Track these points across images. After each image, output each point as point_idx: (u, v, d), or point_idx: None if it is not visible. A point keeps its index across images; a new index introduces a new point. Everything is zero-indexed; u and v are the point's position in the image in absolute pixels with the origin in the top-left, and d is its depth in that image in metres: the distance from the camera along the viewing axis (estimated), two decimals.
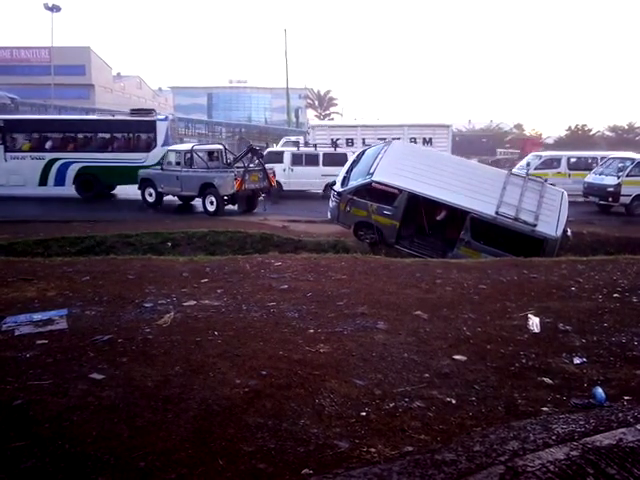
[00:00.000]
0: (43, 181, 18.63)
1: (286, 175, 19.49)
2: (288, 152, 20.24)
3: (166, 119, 19.85)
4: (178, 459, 2.73)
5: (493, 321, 5.03)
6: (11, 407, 3.27)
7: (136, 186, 17.55)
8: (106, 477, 2.59)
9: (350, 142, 22.20)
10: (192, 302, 5.41)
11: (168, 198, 17.35)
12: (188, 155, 16.43)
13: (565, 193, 11.19)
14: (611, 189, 17.16)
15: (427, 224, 11.46)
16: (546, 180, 11.38)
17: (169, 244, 11.48)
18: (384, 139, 20.57)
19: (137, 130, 19.49)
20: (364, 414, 3.25)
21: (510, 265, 7.46)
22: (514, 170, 13.61)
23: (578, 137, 49.86)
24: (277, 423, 3.11)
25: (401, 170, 10.84)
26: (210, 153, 17.70)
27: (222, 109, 77.30)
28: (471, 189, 10.52)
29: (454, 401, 3.46)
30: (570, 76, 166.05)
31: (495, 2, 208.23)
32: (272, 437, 2.95)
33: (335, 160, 19.28)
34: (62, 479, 2.58)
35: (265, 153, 19.15)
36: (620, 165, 17.68)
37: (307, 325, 4.81)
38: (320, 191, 19.39)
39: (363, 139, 22.18)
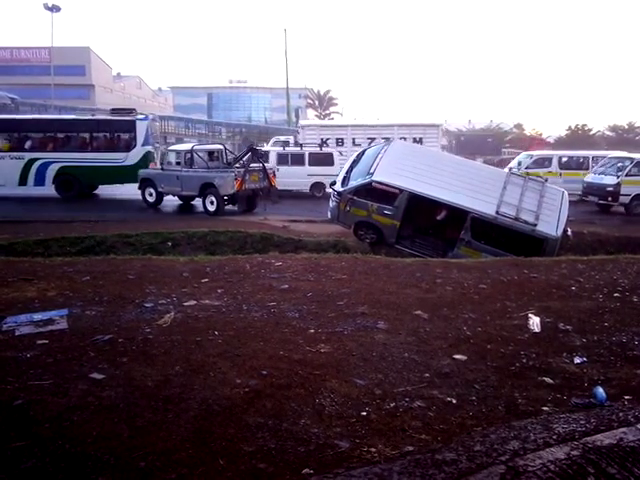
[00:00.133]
0: (23, 181, 18.49)
1: None
2: (274, 152, 20.16)
3: (146, 119, 19.62)
4: (178, 459, 2.73)
5: (493, 321, 5.03)
6: (11, 407, 3.26)
7: (118, 186, 17.44)
8: (106, 477, 2.58)
9: (340, 142, 22.26)
10: (192, 302, 5.41)
11: (168, 198, 17.35)
12: (188, 155, 16.43)
13: (566, 193, 11.21)
14: (610, 189, 17.17)
15: (427, 224, 11.46)
16: (546, 180, 11.39)
17: (169, 244, 11.48)
18: (374, 139, 20.69)
19: (117, 130, 19.32)
20: (364, 414, 3.25)
21: (510, 265, 7.47)
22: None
23: (578, 137, 49.93)
24: (277, 423, 3.11)
25: (401, 170, 10.85)
26: (210, 153, 17.70)
27: (222, 109, 77.43)
28: (472, 189, 10.53)
29: (454, 401, 3.46)
30: (570, 76, 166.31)
31: (495, 2, 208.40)
32: (272, 437, 2.95)
33: (321, 160, 19.37)
34: (62, 479, 2.58)
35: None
36: (619, 165, 17.69)
37: (307, 325, 4.81)
38: (307, 190, 19.52)
39: (353, 139, 22.29)
